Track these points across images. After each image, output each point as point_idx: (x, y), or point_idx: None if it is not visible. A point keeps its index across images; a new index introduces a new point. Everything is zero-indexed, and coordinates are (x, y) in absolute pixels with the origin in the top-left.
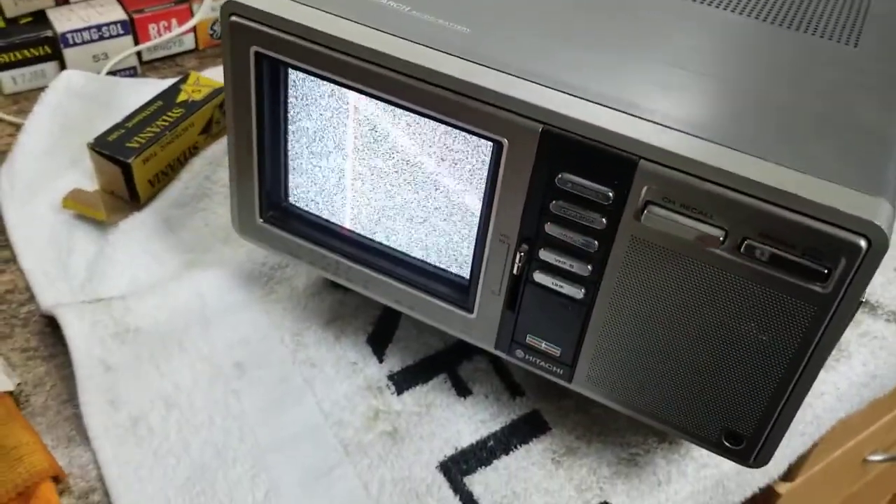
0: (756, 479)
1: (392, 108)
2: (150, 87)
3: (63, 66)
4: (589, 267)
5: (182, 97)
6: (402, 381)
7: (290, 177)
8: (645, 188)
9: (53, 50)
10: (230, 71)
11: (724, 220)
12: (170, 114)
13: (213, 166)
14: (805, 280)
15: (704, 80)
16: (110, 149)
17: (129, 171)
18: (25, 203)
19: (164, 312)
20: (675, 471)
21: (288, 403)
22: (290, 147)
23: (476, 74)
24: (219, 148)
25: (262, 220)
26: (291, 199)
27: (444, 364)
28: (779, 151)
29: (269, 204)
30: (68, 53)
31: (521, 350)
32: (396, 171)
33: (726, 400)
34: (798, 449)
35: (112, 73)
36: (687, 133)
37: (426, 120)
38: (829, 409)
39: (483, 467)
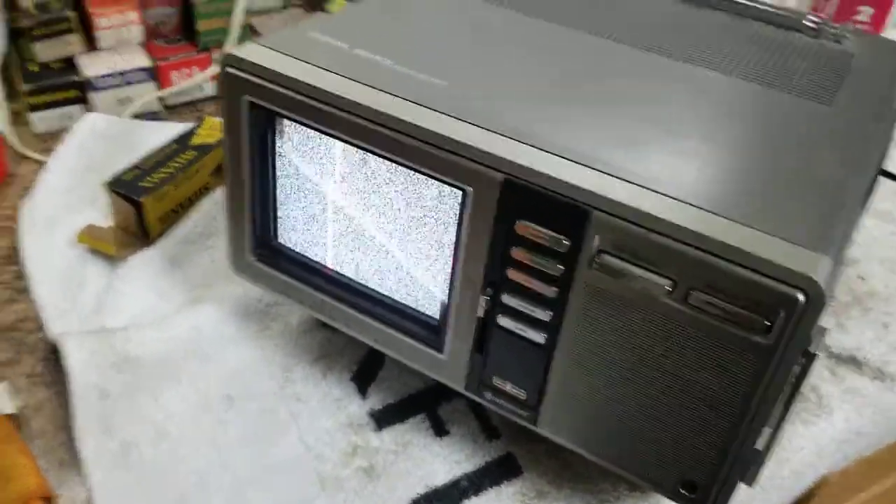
0: None
1: (367, 155)
2: (169, 130)
3: (89, 109)
4: (549, 312)
5: (196, 140)
6: (383, 419)
7: (279, 217)
8: (597, 237)
9: (81, 93)
10: (226, 118)
11: (672, 271)
12: (183, 156)
13: (220, 206)
14: (748, 332)
15: (670, 136)
16: (125, 188)
17: (140, 210)
18: (43, 236)
19: (161, 343)
20: None
21: (272, 435)
22: (278, 189)
23: (446, 126)
24: None
25: (253, 258)
26: (280, 239)
27: (424, 404)
28: (731, 205)
29: (259, 243)
30: (95, 97)
31: (489, 392)
32: (370, 217)
33: (681, 448)
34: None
35: (136, 115)
36: (641, 186)
37: (401, 168)
38: (807, 465)
39: None
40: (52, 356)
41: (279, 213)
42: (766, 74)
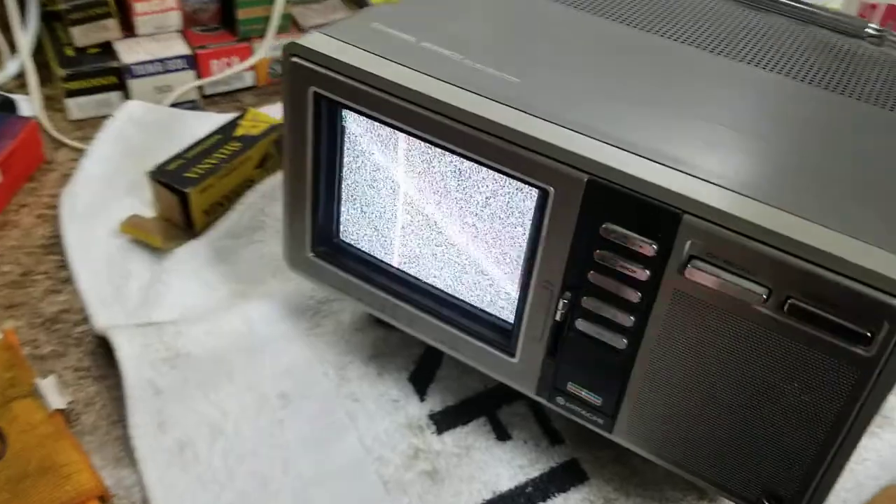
0: None
1: (442, 152)
2: (208, 121)
3: (127, 96)
4: (631, 318)
5: (240, 132)
6: (443, 421)
7: (342, 214)
8: (689, 242)
9: (119, 80)
10: (289, 109)
11: (768, 279)
12: (227, 147)
13: (266, 200)
14: (848, 342)
15: (748, 139)
16: (169, 178)
17: (186, 201)
18: (85, 226)
19: (213, 339)
20: None
21: (331, 436)
22: (343, 185)
23: (526, 123)
24: (273, 182)
25: (312, 255)
26: (342, 236)
27: (485, 407)
28: (822, 213)
29: (319, 239)
30: (133, 84)
31: (562, 397)
32: (444, 215)
33: (767, 460)
34: None
35: (174, 105)
36: (732, 190)
37: (476, 166)
38: (871, 476)
39: None
40: (100, 350)
41: (342, 209)
42: (835, 81)
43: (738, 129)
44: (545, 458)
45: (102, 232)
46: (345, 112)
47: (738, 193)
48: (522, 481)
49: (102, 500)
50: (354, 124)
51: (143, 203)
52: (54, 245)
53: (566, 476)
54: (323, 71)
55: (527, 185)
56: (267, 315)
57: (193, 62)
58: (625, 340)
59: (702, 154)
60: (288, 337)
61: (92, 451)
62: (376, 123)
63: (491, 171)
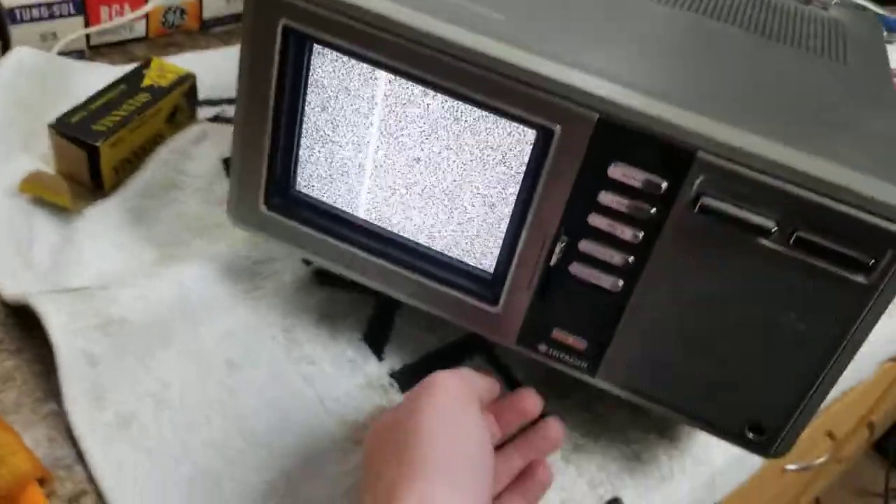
0: (733, 479)
1: (427, 90)
2: (103, 72)
3: (6, 44)
4: (630, 258)
5: (147, 82)
6: (404, 380)
7: (301, 162)
8: (700, 179)
9: None
10: (250, 45)
11: (776, 212)
12: (136, 98)
13: (181, 157)
14: (850, 272)
15: (746, 84)
16: (75, 131)
17: (95, 156)
18: None
19: (147, 304)
20: (676, 466)
21: (288, 402)
22: (305, 130)
23: (530, 60)
24: (186, 137)
25: (265, 208)
26: (299, 187)
27: (444, 362)
28: (822, 147)
29: (275, 191)
30: (15, 30)
31: (545, 344)
32: (423, 159)
33: (755, 392)
34: None
35: (60, 54)
36: (743, 128)
37: (463, 105)
38: None
39: None
40: (10, 320)
41: (302, 158)
42: (787, 34)
43: (736, 76)
44: None
45: None
46: (315, 48)
47: (748, 130)
48: None
49: (42, 482)
50: (326, 61)
51: (40, 159)
52: None
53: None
54: (296, 2)
55: (524, 126)
56: (202, 278)
57: (82, 7)
58: (621, 282)
59: (706, 95)
60: (226, 301)
61: (20, 431)
62: (352, 61)
63: (483, 111)
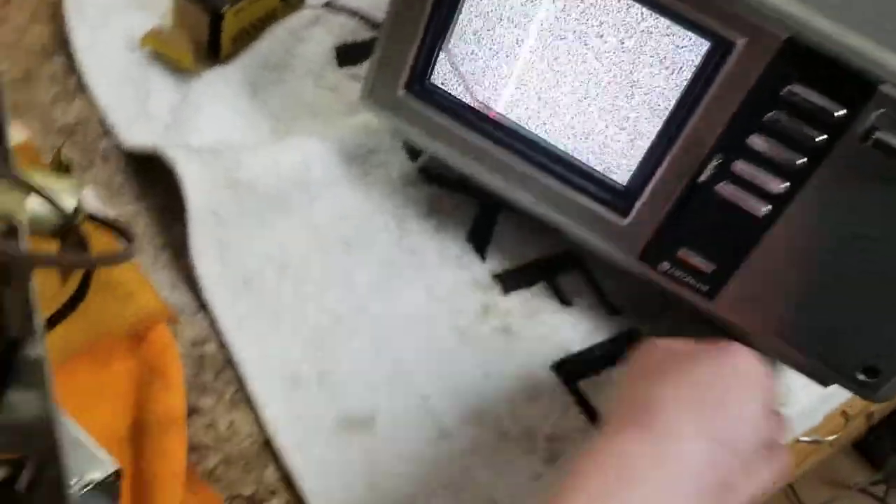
0: (801, 426)
1: None
2: None
3: None
4: (784, 185)
5: None
6: (507, 283)
7: (449, 50)
8: (878, 112)
9: None
10: None
11: None
12: None
13: (294, 39)
14: None
15: None
16: None
17: (218, 21)
18: (96, 33)
19: (272, 173)
20: None
21: (400, 284)
22: (460, 19)
23: None
24: (297, 21)
25: (404, 92)
26: (435, 78)
27: (544, 273)
28: None
29: (417, 76)
30: None
31: (668, 262)
32: (581, 60)
33: (878, 335)
34: None
35: None
36: None
37: (638, 7)
38: None
39: (594, 375)
40: (131, 168)
41: (450, 47)
42: None
43: None
44: (607, 325)
45: (116, 42)
46: None
47: None
48: (590, 345)
49: (169, 323)
50: None
51: (157, 16)
52: (57, 49)
53: (630, 343)
54: None
55: (701, 35)
56: (322, 156)
57: None
58: (768, 208)
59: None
60: (343, 182)
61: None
62: None
63: (659, 16)
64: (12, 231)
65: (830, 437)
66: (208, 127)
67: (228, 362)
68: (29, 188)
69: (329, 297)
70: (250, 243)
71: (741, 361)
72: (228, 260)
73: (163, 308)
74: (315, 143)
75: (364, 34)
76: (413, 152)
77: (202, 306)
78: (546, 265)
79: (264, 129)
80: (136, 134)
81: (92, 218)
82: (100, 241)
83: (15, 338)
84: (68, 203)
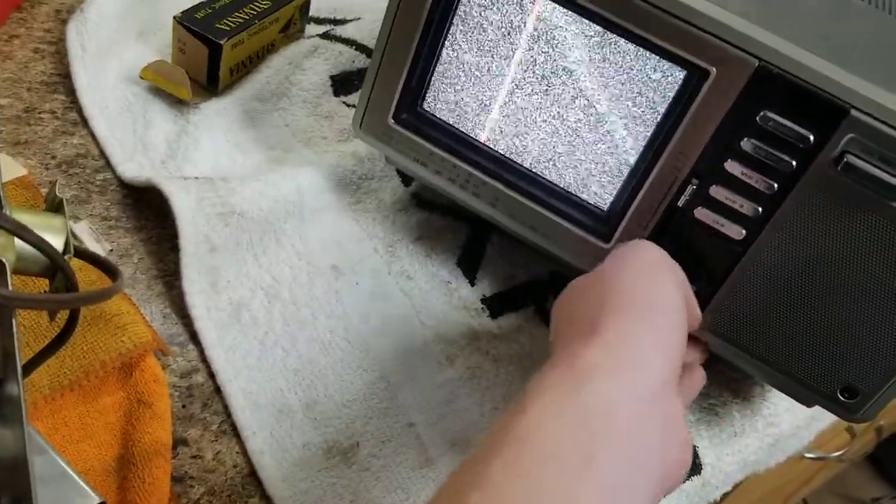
0: (792, 446)
1: (581, 20)
2: None
3: None
4: (759, 209)
5: None
6: (494, 307)
7: (435, 81)
8: (847, 137)
9: None
10: None
11: None
12: (257, 4)
13: (292, 67)
14: None
15: (891, 50)
16: (200, 26)
17: (217, 53)
18: (96, 67)
19: (266, 201)
20: (748, 425)
21: (390, 311)
22: (446, 50)
23: (696, 1)
24: (296, 50)
25: (393, 122)
26: (426, 106)
27: (532, 296)
28: None
29: (406, 106)
30: None
31: None
32: (562, 91)
33: (856, 355)
34: None
35: None
36: (893, 93)
37: (616, 38)
38: None
39: None
40: (128, 200)
41: (436, 77)
42: None
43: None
44: None
45: (116, 76)
46: None
47: None
48: None
49: (159, 355)
50: None
51: (156, 50)
52: (58, 84)
53: None
54: None
55: (676, 65)
56: (316, 184)
57: None
58: (744, 231)
59: (861, 55)
60: (334, 209)
61: (136, 305)
62: None
63: (636, 46)
64: None
65: (837, 453)
66: (204, 158)
67: (217, 392)
68: (14, 229)
69: (319, 325)
70: (242, 272)
71: (648, 254)
72: (220, 289)
73: (153, 339)
74: (308, 171)
75: (361, 63)
76: (406, 178)
77: (193, 336)
78: (534, 289)
79: (259, 158)
80: (133, 166)
81: (79, 254)
82: (90, 276)
83: None
84: (56, 242)
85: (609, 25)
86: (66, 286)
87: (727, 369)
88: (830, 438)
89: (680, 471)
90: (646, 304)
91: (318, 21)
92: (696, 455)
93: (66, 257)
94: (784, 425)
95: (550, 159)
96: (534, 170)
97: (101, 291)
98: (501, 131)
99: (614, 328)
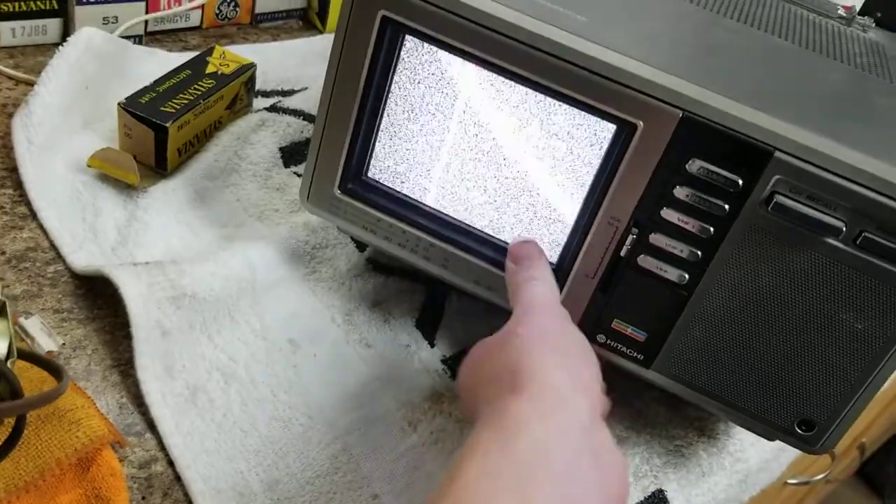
0: (763, 480)
1: (513, 84)
2: (160, 58)
3: (66, 24)
4: (698, 253)
5: (211, 69)
6: (456, 367)
7: (377, 150)
8: (775, 178)
9: (59, 5)
10: (347, 34)
11: (846, 213)
12: (201, 84)
13: (240, 142)
14: None
15: (812, 92)
16: (145, 111)
17: (163, 136)
18: (43, 159)
19: (217, 281)
20: (716, 463)
21: (348, 381)
22: (385, 119)
23: (616, 58)
24: (244, 125)
25: (339, 192)
26: (371, 174)
27: None
28: (886, 150)
29: (350, 176)
30: (80, 11)
31: (604, 335)
32: (498, 152)
33: (809, 388)
34: None
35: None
36: (816, 132)
37: (546, 99)
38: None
39: None
40: (80, 291)
41: (377, 145)
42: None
43: (804, 78)
44: None
45: (64, 166)
46: (408, 39)
47: (821, 135)
48: None
49: (116, 447)
50: (416, 54)
51: (102, 138)
52: (6, 178)
53: None
54: None
55: (605, 120)
56: (268, 259)
57: None
58: (686, 276)
59: (782, 98)
60: (288, 282)
61: (93, 397)
62: (440, 53)
63: (566, 105)
64: None
65: (821, 475)
66: (155, 242)
67: (177, 480)
68: None
69: (279, 402)
70: (197, 354)
71: (548, 304)
72: (175, 374)
73: (109, 432)
74: (259, 245)
75: (309, 133)
76: (360, 243)
77: (151, 424)
78: None
79: (211, 237)
80: (83, 255)
81: (24, 356)
82: (42, 372)
83: None
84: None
85: (537, 87)
86: (11, 392)
87: (690, 408)
88: (813, 461)
89: (623, 490)
90: (560, 351)
91: (266, 94)
92: (665, 499)
93: (9, 362)
94: (752, 460)
95: (495, 220)
96: (481, 230)
97: (45, 395)
98: (445, 195)
99: (538, 380)
